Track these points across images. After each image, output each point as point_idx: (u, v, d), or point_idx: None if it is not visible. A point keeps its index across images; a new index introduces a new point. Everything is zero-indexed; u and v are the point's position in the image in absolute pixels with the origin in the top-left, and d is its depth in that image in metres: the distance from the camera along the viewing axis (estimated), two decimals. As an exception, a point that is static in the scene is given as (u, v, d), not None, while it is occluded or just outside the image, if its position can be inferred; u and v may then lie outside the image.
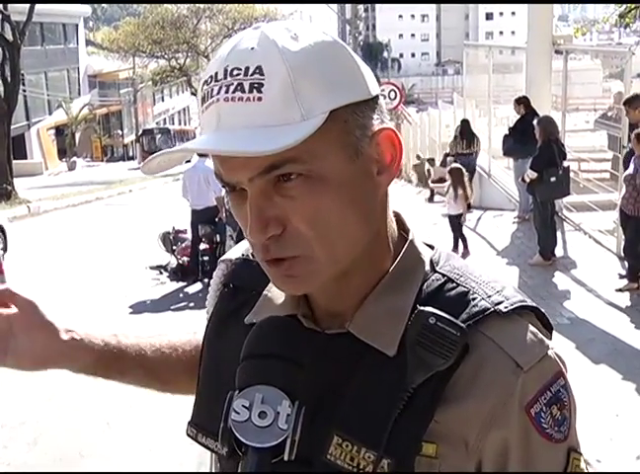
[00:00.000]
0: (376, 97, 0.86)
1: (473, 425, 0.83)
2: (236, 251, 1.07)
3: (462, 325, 0.83)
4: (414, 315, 0.85)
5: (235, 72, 0.80)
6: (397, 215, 0.95)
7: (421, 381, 0.82)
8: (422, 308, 0.85)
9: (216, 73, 0.81)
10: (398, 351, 0.85)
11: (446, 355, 0.82)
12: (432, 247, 0.95)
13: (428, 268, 0.91)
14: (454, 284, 0.88)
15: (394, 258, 0.91)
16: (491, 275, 0.92)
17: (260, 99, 0.78)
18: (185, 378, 1.14)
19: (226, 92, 0.80)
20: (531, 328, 0.86)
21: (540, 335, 0.86)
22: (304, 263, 0.83)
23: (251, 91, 0.79)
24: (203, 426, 0.96)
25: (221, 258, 1.09)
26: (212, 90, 0.81)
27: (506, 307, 0.85)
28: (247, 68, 0.79)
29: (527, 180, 8.04)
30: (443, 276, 0.90)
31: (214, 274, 1.09)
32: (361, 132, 0.83)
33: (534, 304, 0.89)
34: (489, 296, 0.87)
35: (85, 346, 1.07)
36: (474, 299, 0.86)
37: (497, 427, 0.83)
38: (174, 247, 9.43)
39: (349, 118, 0.82)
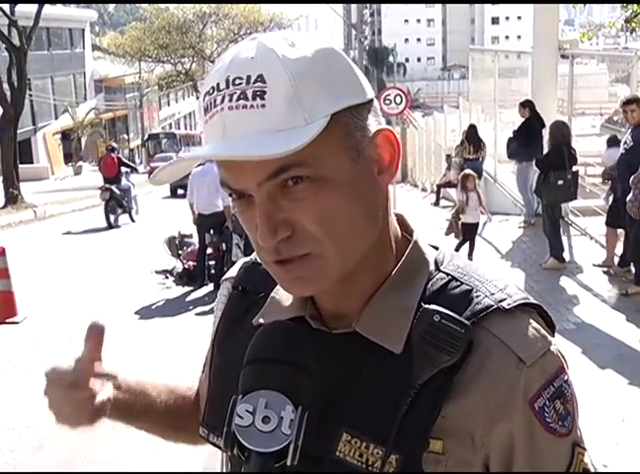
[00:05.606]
0: (372, 99, 0.89)
1: (479, 419, 0.84)
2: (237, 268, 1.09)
3: (466, 322, 0.85)
4: (419, 313, 0.87)
5: (237, 81, 0.81)
6: (400, 217, 0.97)
7: (427, 377, 0.84)
8: (426, 306, 0.87)
9: (218, 84, 0.83)
10: (404, 348, 0.87)
11: (451, 351, 0.84)
12: (436, 248, 0.97)
13: (432, 267, 0.93)
14: (458, 283, 0.91)
15: (397, 258, 0.93)
16: (494, 273, 0.94)
17: (263, 106, 0.80)
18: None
19: (230, 101, 0.81)
20: (534, 324, 0.88)
21: (543, 331, 0.88)
22: (315, 261, 0.84)
23: (254, 98, 0.80)
24: (215, 426, 0.98)
25: (224, 277, 1.11)
26: (215, 100, 0.82)
27: (509, 304, 0.88)
28: (249, 77, 0.81)
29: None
30: (447, 274, 0.92)
31: (219, 293, 1.11)
32: (362, 134, 0.85)
33: (537, 302, 0.91)
34: (492, 294, 0.89)
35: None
36: (477, 297, 0.88)
37: (502, 420, 0.84)
38: (180, 251, 9.44)
39: (349, 121, 0.84)
